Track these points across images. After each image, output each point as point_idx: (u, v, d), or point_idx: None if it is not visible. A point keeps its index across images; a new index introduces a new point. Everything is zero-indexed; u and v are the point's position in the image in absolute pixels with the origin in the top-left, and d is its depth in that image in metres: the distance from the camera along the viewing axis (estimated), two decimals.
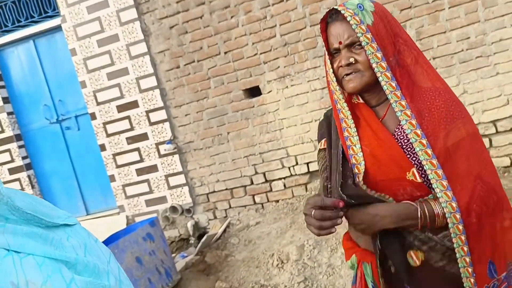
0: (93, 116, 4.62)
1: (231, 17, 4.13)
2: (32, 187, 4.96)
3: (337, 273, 2.97)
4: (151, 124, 4.48)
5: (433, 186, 1.09)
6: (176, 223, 4.61)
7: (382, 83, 1.12)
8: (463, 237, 1.07)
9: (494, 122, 3.68)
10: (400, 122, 1.14)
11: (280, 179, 4.28)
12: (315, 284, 2.97)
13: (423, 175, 1.11)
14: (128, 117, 4.53)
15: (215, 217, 4.53)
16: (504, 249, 1.13)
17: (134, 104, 4.49)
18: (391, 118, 1.17)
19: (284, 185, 4.28)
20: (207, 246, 4.02)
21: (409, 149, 1.13)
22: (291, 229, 3.70)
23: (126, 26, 4.35)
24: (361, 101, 1.21)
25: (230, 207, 4.47)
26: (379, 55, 1.10)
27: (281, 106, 4.15)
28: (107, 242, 3.53)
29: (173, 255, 4.39)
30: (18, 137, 4.95)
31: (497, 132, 3.68)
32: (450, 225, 1.08)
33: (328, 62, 1.19)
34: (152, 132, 4.50)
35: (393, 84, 1.11)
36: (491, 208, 1.11)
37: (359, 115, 1.20)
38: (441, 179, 1.07)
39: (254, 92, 4.27)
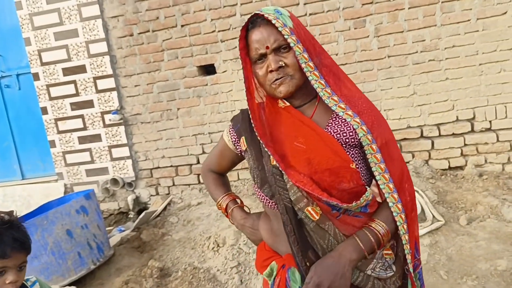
0: (36, 77, 4.35)
1: None
2: None
3: None
4: (98, 91, 4.27)
5: (372, 169, 1.13)
6: (116, 196, 4.48)
7: (312, 82, 1.12)
8: (403, 215, 1.13)
9: (438, 125, 3.78)
10: (328, 121, 1.15)
11: None
12: (248, 270, 2.97)
13: (357, 165, 1.14)
14: (74, 82, 4.30)
15: (157, 193, 4.43)
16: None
17: (81, 69, 4.26)
18: (318, 117, 1.16)
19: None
20: (145, 222, 3.94)
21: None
22: None
23: None
24: (288, 104, 1.19)
25: (173, 184, 4.39)
26: (306, 55, 1.10)
27: (235, 88, 4.06)
28: (38, 211, 3.37)
29: (111, 228, 4.28)
30: None
31: (440, 135, 3.79)
32: (390, 204, 1.12)
33: (254, 69, 1.17)
34: (98, 100, 4.30)
35: (323, 82, 1.12)
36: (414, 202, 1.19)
37: (289, 116, 1.17)
38: (379, 163, 1.12)
39: (208, 69, 4.16)
